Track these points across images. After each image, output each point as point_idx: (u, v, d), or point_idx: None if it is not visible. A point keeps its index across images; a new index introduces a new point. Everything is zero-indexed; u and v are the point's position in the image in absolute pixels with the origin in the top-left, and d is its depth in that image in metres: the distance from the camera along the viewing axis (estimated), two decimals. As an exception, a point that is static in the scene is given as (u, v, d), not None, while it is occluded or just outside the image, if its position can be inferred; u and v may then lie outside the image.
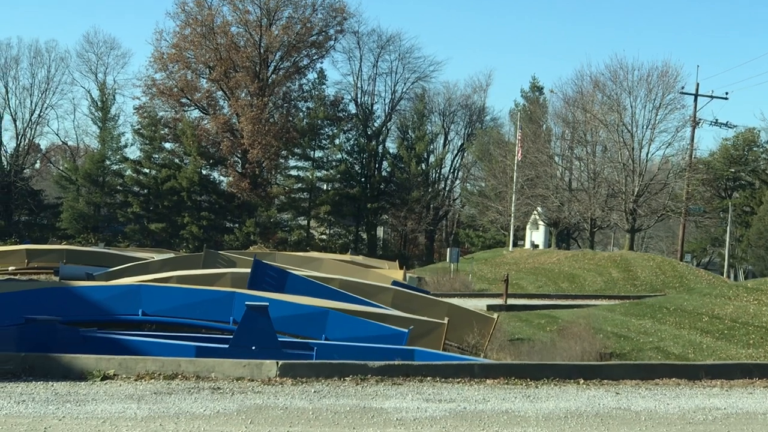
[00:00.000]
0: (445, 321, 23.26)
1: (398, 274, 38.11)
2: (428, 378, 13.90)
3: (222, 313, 21.52)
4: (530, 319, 33.28)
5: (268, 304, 17.64)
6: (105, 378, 13.17)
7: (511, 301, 37.80)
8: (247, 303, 17.56)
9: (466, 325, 25.23)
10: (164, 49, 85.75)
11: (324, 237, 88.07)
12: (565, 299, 41.77)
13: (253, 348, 16.43)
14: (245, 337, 16.70)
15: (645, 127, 61.47)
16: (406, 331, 20.77)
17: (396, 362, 14.14)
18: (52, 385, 12.65)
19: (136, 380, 13.19)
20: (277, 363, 13.64)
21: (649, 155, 62.85)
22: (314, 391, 12.81)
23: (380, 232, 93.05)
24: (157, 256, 40.22)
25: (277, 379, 13.42)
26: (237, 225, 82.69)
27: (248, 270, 25.36)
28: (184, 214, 79.88)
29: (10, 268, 40.99)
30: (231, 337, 17.39)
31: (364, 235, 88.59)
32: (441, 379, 13.90)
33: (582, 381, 14.36)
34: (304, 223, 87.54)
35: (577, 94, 68.75)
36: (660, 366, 15.58)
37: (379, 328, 21.29)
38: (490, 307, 34.33)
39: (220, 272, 26.71)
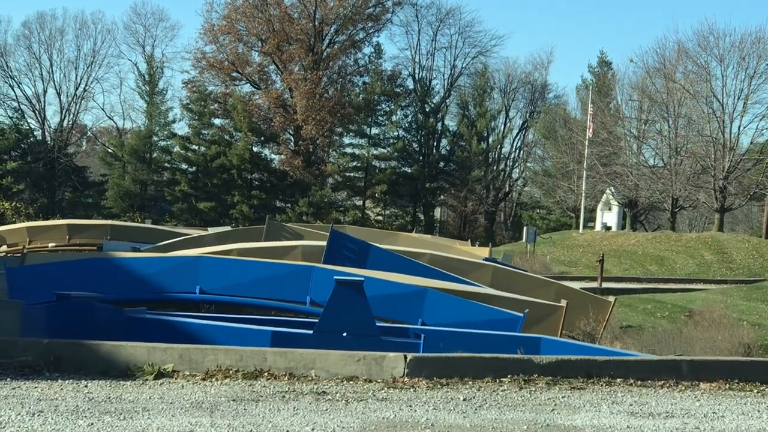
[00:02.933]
0: (564, 304, 19.44)
1: (484, 251, 34.03)
2: (618, 380, 9.77)
3: (297, 291, 17.86)
4: (633, 304, 29.75)
5: (363, 279, 13.89)
6: (160, 375, 9.38)
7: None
8: (336, 278, 13.91)
9: (578, 309, 21.45)
10: (215, 20, 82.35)
11: (380, 218, 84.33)
12: (656, 283, 38.15)
13: (345, 335, 13.04)
14: (335, 320, 13.30)
15: (737, 97, 56.57)
16: (522, 315, 17.00)
17: (573, 357, 10.06)
18: (86, 386, 8.87)
19: (204, 379, 9.35)
20: (405, 357, 9.60)
21: (741, 128, 58.04)
22: (463, 399, 8.81)
23: (438, 212, 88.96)
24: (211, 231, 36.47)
25: (406, 379, 9.40)
26: (289, 204, 79.20)
27: (321, 243, 21.71)
28: (234, 192, 76.50)
29: (50, 245, 37.65)
30: (315, 321, 13.81)
31: (422, 216, 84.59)
32: (637, 383, 9.74)
33: (838, 387, 10.20)
34: (360, 203, 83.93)
35: (659, 63, 63.77)
36: None
37: (486, 311, 17.57)
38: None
39: (290, 245, 22.96)
